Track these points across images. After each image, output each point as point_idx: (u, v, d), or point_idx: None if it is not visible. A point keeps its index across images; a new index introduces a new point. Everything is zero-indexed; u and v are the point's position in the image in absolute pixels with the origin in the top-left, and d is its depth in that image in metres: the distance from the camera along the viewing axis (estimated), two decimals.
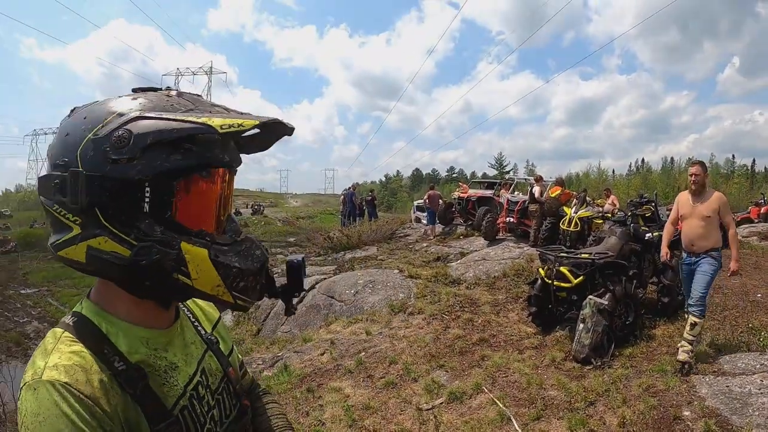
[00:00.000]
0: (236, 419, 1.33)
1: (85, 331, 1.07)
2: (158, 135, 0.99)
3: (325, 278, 12.82)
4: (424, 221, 20.83)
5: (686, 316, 6.37)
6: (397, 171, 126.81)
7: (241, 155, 1.22)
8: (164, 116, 1.02)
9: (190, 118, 1.01)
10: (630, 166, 78.08)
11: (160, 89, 1.17)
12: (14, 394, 7.69)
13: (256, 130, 1.10)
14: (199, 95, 1.18)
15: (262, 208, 56.39)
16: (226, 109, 1.13)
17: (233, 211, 1.34)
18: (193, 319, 1.35)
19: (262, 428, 1.50)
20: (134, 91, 1.14)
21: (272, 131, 1.19)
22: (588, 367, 6.48)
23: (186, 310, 1.35)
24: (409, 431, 5.42)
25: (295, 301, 1.44)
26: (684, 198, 6.50)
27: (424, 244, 16.74)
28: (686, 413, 5.08)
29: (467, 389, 6.12)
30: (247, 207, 59.64)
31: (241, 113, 1.10)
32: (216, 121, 1.00)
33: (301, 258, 1.33)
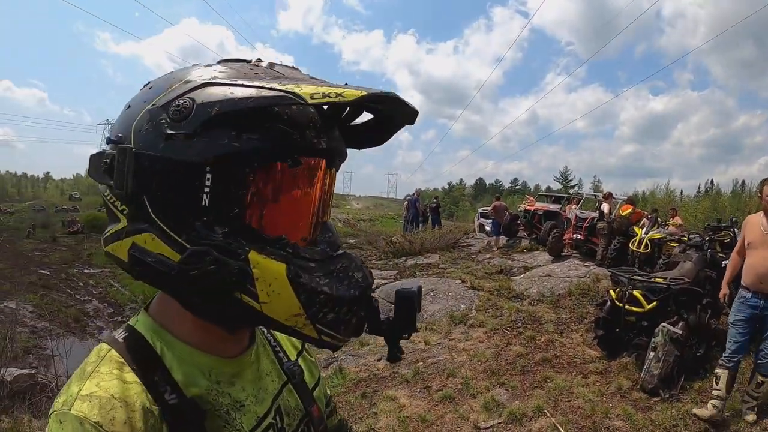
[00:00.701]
0: None
1: (137, 352, 0.86)
2: (227, 105, 0.77)
3: (385, 283, 12.75)
4: (488, 228, 20.63)
5: (716, 372, 5.51)
6: (461, 179, 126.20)
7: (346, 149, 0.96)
8: (242, 83, 0.79)
9: (272, 85, 0.77)
10: (699, 188, 74.93)
11: (250, 61, 0.92)
12: (67, 370, 7.93)
13: (367, 116, 0.94)
14: (296, 68, 0.92)
15: None
16: (317, 80, 0.86)
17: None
18: (274, 343, 1.11)
19: None
20: (220, 62, 0.91)
21: (387, 115, 0.93)
22: (655, 399, 6.16)
23: (266, 331, 1.11)
24: None
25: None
26: (754, 222, 5.38)
27: (487, 256, 16.51)
28: None
29: (528, 411, 5.93)
30: None
31: (346, 84, 0.81)
32: (306, 89, 0.74)
33: (417, 287, 0.96)
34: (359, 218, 49.80)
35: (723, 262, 7.90)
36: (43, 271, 20.91)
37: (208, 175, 0.77)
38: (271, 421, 0.97)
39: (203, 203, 0.77)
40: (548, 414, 5.84)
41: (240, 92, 0.77)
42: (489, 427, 5.68)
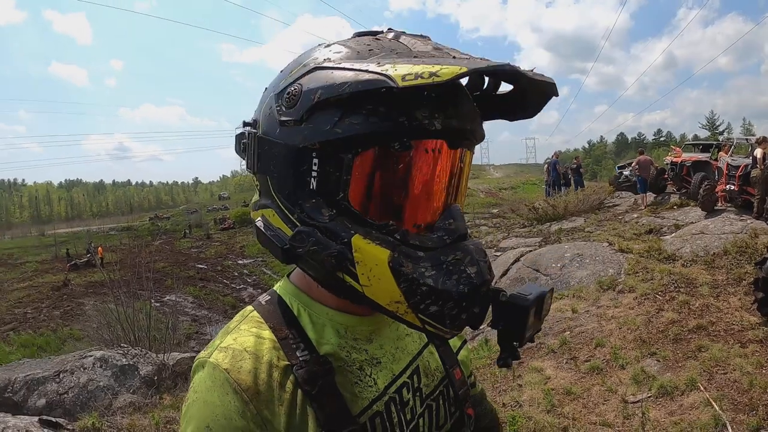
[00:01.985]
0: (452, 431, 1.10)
1: (275, 312, 0.96)
2: (327, 91, 0.80)
3: (530, 250, 12.65)
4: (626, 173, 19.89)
5: None
6: (601, 137, 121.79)
7: (484, 123, 0.95)
8: (344, 66, 0.81)
9: (370, 68, 0.77)
10: None
11: (379, 32, 0.94)
12: None
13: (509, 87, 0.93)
14: (424, 36, 0.92)
15: None
16: (465, 55, 0.84)
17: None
18: None
19: None
20: (356, 35, 0.95)
21: (523, 87, 0.93)
22: None
23: None
24: (611, 425, 5.20)
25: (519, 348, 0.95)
26: None
27: (635, 215, 15.82)
28: None
29: (680, 384, 5.69)
30: None
31: (468, 57, 0.82)
32: (401, 70, 0.74)
33: (537, 294, 0.90)
34: (501, 187, 49.18)
35: None
36: (200, 266, 22.62)
37: (315, 160, 0.82)
38: (406, 380, 1.01)
39: (311, 186, 0.84)
40: (702, 388, 5.59)
41: (340, 76, 0.80)
42: (638, 401, 5.54)
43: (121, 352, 8.66)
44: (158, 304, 14.55)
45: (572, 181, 22.74)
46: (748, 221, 11.90)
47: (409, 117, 0.79)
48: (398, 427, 0.97)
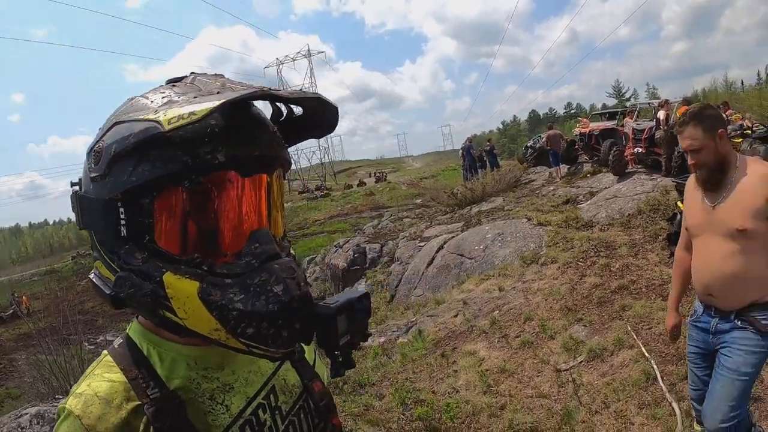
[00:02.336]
0: None
1: (125, 354, 0.97)
2: (119, 144, 0.85)
3: (453, 236, 12.71)
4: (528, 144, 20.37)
5: None
6: (514, 116, 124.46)
7: (289, 146, 1.02)
8: (132, 117, 0.87)
9: (149, 116, 0.84)
10: (758, 75, 70.24)
11: (186, 77, 0.99)
12: None
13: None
14: (221, 75, 0.98)
15: (384, 175, 57.20)
16: (223, 86, 0.91)
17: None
18: None
19: None
20: (166, 82, 0.99)
21: (314, 107, 0.98)
22: None
23: None
24: (546, 395, 5.14)
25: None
26: (691, 190, 3.09)
27: (551, 188, 16.12)
28: None
29: (608, 345, 5.71)
30: (370, 176, 60.61)
31: (245, 87, 0.88)
32: (170, 114, 0.81)
33: (343, 302, 0.96)
34: (422, 176, 49.54)
35: None
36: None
37: (121, 209, 0.86)
38: (261, 401, 1.03)
39: (123, 234, 0.87)
40: (633, 341, 5.59)
41: (127, 129, 0.85)
42: (570, 368, 5.53)
43: (56, 404, 8.19)
44: (92, 347, 14.01)
45: (488, 163, 23.06)
46: (659, 180, 12.25)
47: (192, 155, 0.82)
48: None
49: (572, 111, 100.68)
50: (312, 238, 28.08)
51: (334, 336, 0.95)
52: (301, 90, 0.91)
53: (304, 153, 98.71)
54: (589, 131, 17.02)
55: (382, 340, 8.20)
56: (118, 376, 0.93)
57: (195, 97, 0.86)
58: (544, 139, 18.43)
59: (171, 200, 0.86)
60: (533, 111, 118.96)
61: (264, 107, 0.97)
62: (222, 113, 0.83)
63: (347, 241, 17.21)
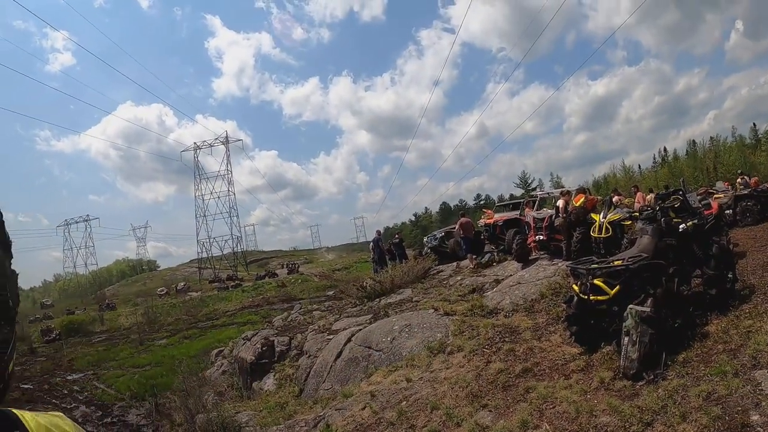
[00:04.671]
0: None
1: None
2: None
3: (360, 329, 12.49)
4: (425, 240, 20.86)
5: None
6: (425, 208, 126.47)
7: None
8: None
9: None
10: (654, 158, 75.28)
11: None
12: None
13: None
14: None
15: (297, 266, 56.70)
16: None
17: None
18: None
19: None
20: None
21: None
22: (641, 383, 5.90)
23: None
24: None
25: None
26: None
27: (459, 278, 16.26)
28: (755, 417, 4.56)
29: (514, 428, 5.63)
30: (282, 267, 59.92)
31: None
32: None
33: None
34: (334, 268, 49.43)
35: (680, 226, 7.79)
36: (25, 386, 20.37)
37: None
38: None
39: None
40: (537, 423, 5.55)
41: None
42: None
43: None
44: None
45: (396, 255, 23.21)
46: (560, 264, 12.65)
47: None
48: None
49: (482, 201, 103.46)
50: (222, 329, 27.20)
51: None
52: None
53: (216, 242, 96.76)
54: (494, 221, 17.58)
55: None
56: None
57: None
58: (457, 227, 18.74)
59: None
60: (444, 203, 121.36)
61: None
62: None
63: (255, 334, 16.70)
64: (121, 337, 29.81)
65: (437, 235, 23.16)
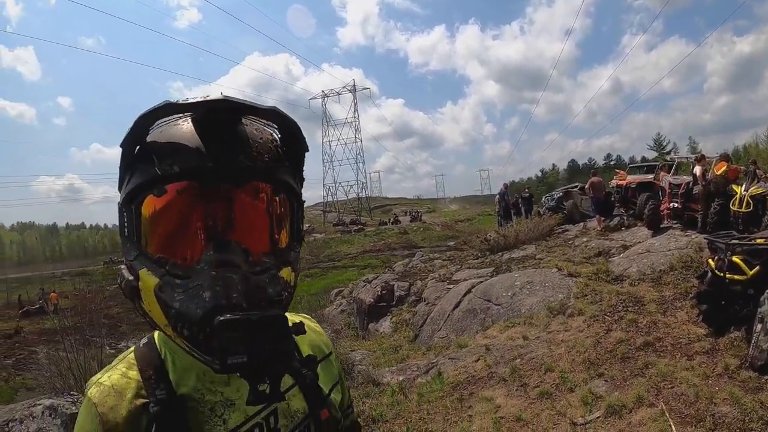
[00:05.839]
0: None
1: (145, 355, 1.06)
2: (121, 157, 0.97)
3: (481, 281, 12.60)
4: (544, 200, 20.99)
5: None
6: (553, 164, 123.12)
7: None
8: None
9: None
10: None
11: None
12: None
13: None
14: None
15: (419, 215, 57.05)
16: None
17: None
18: None
19: None
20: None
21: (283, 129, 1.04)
22: (767, 377, 5.55)
23: None
24: None
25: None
26: None
27: (584, 239, 15.90)
28: None
29: (628, 402, 5.57)
30: (405, 215, 60.54)
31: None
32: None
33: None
34: (457, 219, 49.36)
35: None
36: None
37: (124, 213, 0.96)
38: (260, 420, 1.06)
39: (125, 233, 0.97)
40: (649, 403, 5.46)
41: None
42: (587, 423, 5.41)
43: (71, 400, 8.31)
44: (113, 351, 14.18)
45: (523, 210, 22.91)
46: (693, 236, 12.00)
47: (159, 166, 0.91)
48: None
49: (612, 162, 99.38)
50: (342, 271, 28.02)
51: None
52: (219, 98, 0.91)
53: (342, 186, 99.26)
54: (627, 184, 16.85)
55: (401, 378, 8.13)
56: (134, 373, 1.03)
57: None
58: (588, 185, 18.22)
59: (148, 206, 0.94)
60: (573, 160, 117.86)
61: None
62: (192, 123, 0.95)
63: (376, 277, 17.16)
64: None
65: (555, 196, 22.60)
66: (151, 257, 0.93)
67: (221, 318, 0.84)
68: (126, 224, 0.96)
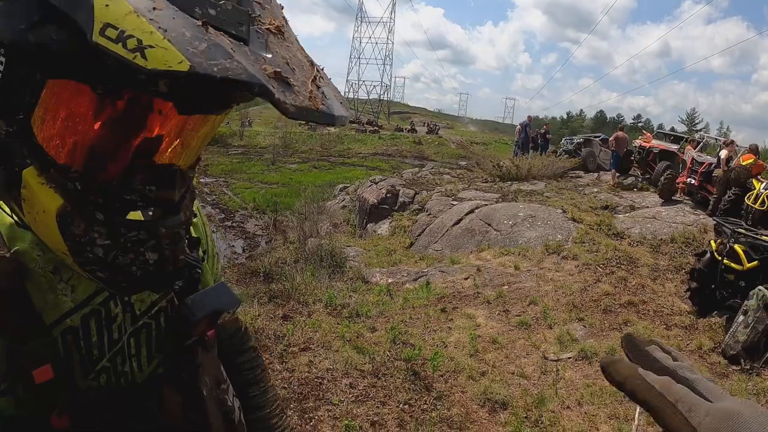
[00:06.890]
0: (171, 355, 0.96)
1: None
2: None
3: (486, 204, 12.75)
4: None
5: None
6: (581, 110, 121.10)
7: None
8: None
9: None
10: None
11: None
12: None
13: None
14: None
15: (437, 128, 56.36)
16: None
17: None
18: None
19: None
20: None
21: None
22: (734, 367, 5.75)
23: None
24: (527, 377, 5.35)
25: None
26: None
27: (595, 189, 15.94)
28: None
29: (600, 351, 5.86)
30: (423, 125, 59.80)
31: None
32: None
33: (210, 311, 0.96)
34: (473, 141, 48.87)
35: None
36: None
37: (2, 57, 0.63)
38: (108, 294, 0.87)
39: None
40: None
41: None
42: (557, 360, 5.71)
43: None
44: None
45: (539, 147, 22.80)
46: (701, 216, 12.07)
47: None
48: (97, 348, 0.86)
49: (640, 123, 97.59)
50: (350, 168, 28.02)
51: (187, 336, 0.93)
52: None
53: (365, 85, 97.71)
54: (650, 147, 16.70)
55: (390, 280, 8.41)
56: None
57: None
58: (611, 138, 18.05)
59: (74, 93, 0.64)
60: (601, 111, 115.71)
61: None
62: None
63: (383, 179, 17.24)
64: (256, 154, 31.18)
65: (574, 140, 22.39)
66: (51, 159, 0.68)
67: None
68: (2, 76, 0.64)
